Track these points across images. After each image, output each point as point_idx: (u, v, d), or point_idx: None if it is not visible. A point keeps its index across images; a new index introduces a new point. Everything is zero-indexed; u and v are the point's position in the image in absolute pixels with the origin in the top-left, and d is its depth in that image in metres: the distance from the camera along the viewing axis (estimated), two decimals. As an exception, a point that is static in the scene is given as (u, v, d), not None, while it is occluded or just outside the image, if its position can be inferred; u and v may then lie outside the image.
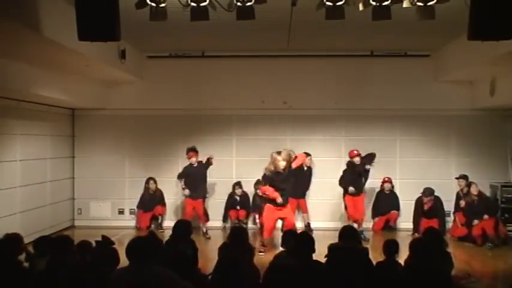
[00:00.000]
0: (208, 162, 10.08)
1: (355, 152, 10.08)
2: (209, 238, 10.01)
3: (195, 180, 10.10)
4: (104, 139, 11.49)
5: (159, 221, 11.05)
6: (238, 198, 10.86)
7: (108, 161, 11.45)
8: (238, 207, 10.84)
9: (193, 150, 10.13)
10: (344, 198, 10.18)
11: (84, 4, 5.66)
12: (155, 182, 10.98)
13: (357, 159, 10.00)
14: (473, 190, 9.74)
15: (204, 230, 10.20)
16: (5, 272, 4.47)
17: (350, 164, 10.14)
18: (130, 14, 6.27)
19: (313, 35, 9.17)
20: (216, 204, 10.97)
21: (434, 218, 10.24)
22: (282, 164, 8.58)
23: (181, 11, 6.09)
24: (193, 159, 10.10)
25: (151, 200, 10.94)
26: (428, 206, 10.42)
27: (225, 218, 11.00)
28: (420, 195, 10.37)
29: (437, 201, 10.40)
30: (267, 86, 11.13)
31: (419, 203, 10.46)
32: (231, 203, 10.90)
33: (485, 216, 9.45)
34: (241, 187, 10.86)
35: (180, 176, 10.25)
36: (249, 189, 10.98)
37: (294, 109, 11.17)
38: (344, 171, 10.21)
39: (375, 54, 10.79)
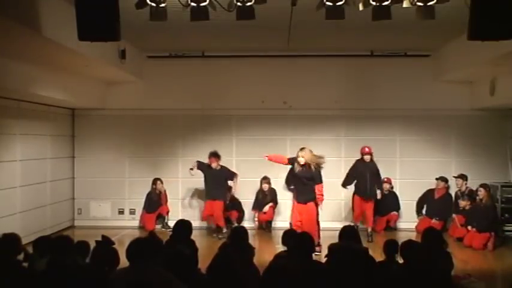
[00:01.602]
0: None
1: (367, 149, 9.85)
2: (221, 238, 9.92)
3: (215, 182, 10.15)
4: (104, 139, 11.48)
5: (166, 220, 11.07)
6: (228, 203, 10.82)
7: (108, 161, 11.45)
8: (228, 209, 10.80)
9: (214, 156, 10.13)
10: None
11: (84, 4, 5.66)
12: (162, 182, 11.00)
13: (367, 157, 9.78)
14: (480, 194, 9.57)
15: (224, 230, 10.14)
16: (3, 272, 4.46)
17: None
18: (130, 14, 6.27)
19: (313, 35, 9.17)
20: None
21: (437, 217, 10.34)
22: (300, 160, 8.52)
23: (181, 11, 6.10)
24: (214, 164, 10.12)
25: (157, 201, 10.98)
26: (439, 195, 10.51)
27: None
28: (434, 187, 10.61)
29: (449, 196, 10.53)
30: (267, 86, 11.13)
31: (430, 191, 10.65)
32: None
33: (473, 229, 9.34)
34: (229, 191, 10.76)
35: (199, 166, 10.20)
36: (249, 188, 10.99)
37: (294, 109, 11.18)
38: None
39: (375, 54, 10.79)
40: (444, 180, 10.61)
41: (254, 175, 10.83)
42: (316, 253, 7.60)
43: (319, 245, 8.26)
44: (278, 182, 10.84)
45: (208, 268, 4.43)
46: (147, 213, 10.99)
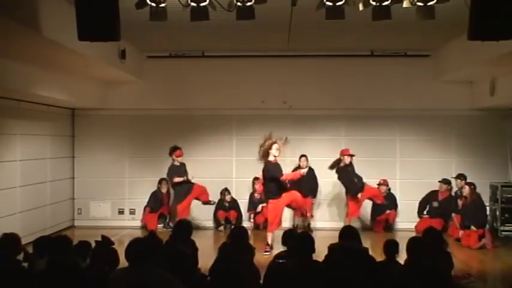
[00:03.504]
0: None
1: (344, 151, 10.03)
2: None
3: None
4: (104, 139, 11.48)
5: (167, 220, 11.09)
6: (227, 204, 10.88)
7: (108, 161, 11.45)
8: (227, 210, 10.88)
9: (179, 149, 10.34)
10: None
11: (84, 4, 5.66)
12: (167, 182, 11.01)
13: (346, 158, 9.93)
14: (464, 192, 9.75)
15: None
16: (3, 272, 4.47)
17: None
18: (130, 14, 6.27)
19: (313, 35, 9.17)
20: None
21: (438, 217, 10.34)
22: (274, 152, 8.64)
23: (181, 11, 6.09)
24: (180, 158, 10.34)
25: (161, 200, 11.01)
26: (443, 196, 10.52)
27: (214, 221, 11.06)
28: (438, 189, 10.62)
29: (451, 199, 10.49)
30: (267, 86, 11.13)
31: (433, 193, 10.66)
32: (219, 207, 10.94)
33: (473, 228, 9.35)
34: (229, 193, 10.91)
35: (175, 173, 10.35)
36: (249, 189, 10.99)
37: (294, 109, 11.17)
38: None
39: (375, 54, 10.79)
40: (447, 182, 10.61)
41: (254, 175, 10.81)
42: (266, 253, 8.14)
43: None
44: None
45: (210, 269, 4.45)
46: (150, 213, 10.97)
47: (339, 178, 10.10)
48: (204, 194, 10.37)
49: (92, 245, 5.24)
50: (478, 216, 9.47)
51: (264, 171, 8.75)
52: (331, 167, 10.01)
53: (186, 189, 10.28)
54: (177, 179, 10.16)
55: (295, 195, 8.85)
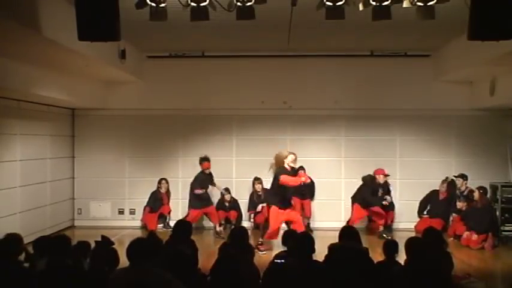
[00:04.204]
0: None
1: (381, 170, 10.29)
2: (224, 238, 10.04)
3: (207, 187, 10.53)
4: (104, 139, 11.48)
5: (167, 220, 11.09)
6: (227, 204, 10.88)
7: (108, 161, 11.45)
8: (227, 209, 10.87)
9: (208, 160, 10.40)
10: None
11: (84, 4, 5.66)
12: (167, 182, 11.04)
13: (381, 178, 10.22)
14: (475, 195, 9.69)
15: (218, 230, 10.43)
16: (5, 272, 4.47)
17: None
18: (130, 14, 6.28)
19: (313, 35, 9.18)
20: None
21: (437, 217, 10.31)
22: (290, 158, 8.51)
23: (181, 11, 6.09)
24: (208, 170, 10.43)
25: (161, 200, 11.01)
26: (444, 196, 10.53)
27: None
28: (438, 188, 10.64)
29: (452, 198, 10.46)
30: (267, 86, 11.12)
31: (434, 192, 10.65)
32: (220, 207, 10.92)
33: (474, 235, 9.34)
34: (229, 193, 10.91)
35: (199, 184, 10.38)
36: (249, 189, 10.99)
37: (294, 109, 11.17)
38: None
39: (375, 54, 10.78)
40: (451, 184, 10.58)
41: (254, 175, 10.81)
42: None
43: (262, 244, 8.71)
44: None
45: (211, 269, 4.45)
46: (150, 213, 10.97)
47: (360, 188, 10.26)
48: (214, 216, 10.48)
49: (91, 245, 5.24)
50: (483, 221, 9.35)
51: (275, 176, 8.55)
52: (364, 179, 10.31)
53: (205, 201, 10.37)
54: (197, 191, 10.23)
55: (295, 216, 8.69)
